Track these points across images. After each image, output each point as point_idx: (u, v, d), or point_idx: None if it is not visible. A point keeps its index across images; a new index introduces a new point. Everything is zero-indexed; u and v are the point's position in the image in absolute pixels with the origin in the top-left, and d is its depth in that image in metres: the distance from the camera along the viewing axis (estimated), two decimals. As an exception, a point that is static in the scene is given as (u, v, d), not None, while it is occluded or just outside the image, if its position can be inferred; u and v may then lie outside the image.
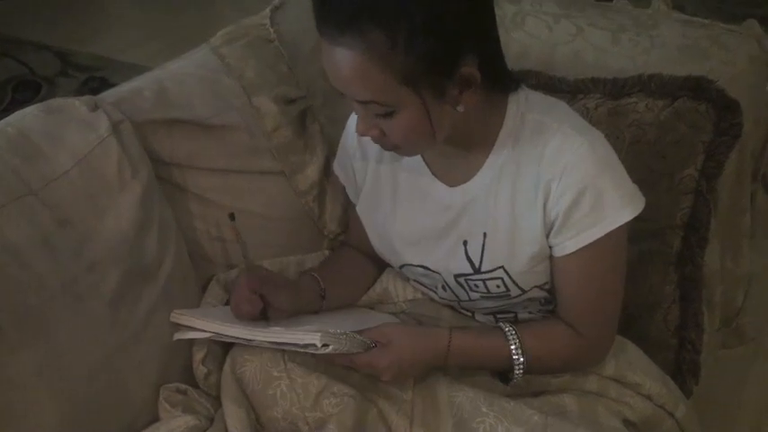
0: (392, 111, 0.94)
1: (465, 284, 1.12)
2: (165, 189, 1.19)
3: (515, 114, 1.04)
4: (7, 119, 1.09)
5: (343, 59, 0.90)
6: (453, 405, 1.05)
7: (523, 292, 1.09)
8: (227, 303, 1.18)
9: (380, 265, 1.28)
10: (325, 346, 0.98)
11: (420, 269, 1.16)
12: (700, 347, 1.25)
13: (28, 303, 0.97)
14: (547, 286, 1.10)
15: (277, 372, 1.09)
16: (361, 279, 1.28)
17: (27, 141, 1.05)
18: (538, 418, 1.01)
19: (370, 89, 0.92)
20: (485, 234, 1.08)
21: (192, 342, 1.13)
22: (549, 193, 1.01)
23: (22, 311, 0.97)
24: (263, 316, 1.09)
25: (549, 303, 1.14)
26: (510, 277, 1.07)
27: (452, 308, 1.22)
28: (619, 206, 1.01)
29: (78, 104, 1.12)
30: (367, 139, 1.04)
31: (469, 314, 1.21)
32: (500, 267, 1.07)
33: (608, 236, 1.01)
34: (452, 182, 1.10)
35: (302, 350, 1.01)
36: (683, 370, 1.25)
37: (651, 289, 1.26)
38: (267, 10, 1.41)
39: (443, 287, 1.16)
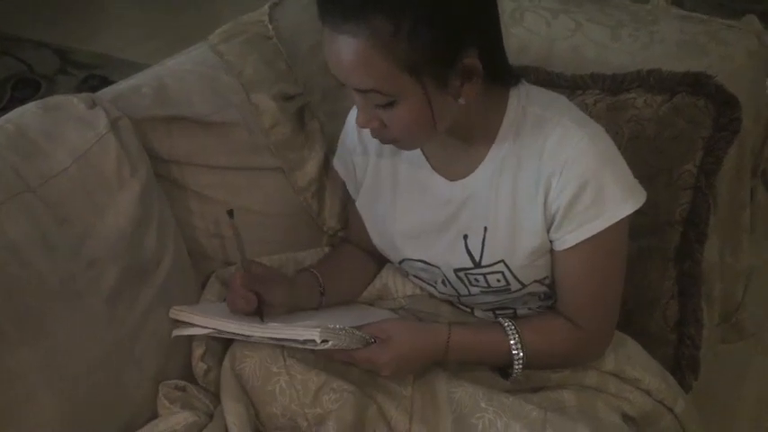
0: (393, 100, 0.94)
1: (465, 279, 1.12)
2: (164, 186, 1.19)
3: (516, 108, 1.04)
4: (5, 116, 1.09)
5: (347, 47, 0.90)
6: (453, 401, 1.06)
7: (523, 286, 1.09)
8: (226, 300, 1.18)
9: (380, 262, 1.28)
10: (324, 341, 0.98)
11: (420, 264, 1.16)
12: (699, 343, 1.26)
13: (27, 301, 0.97)
14: (547, 281, 1.10)
15: (276, 368, 1.09)
16: (361, 275, 1.28)
17: (25, 138, 1.05)
18: (537, 413, 1.01)
19: (372, 77, 0.92)
20: (485, 228, 1.08)
21: (190, 338, 1.14)
22: (549, 187, 1.02)
23: (21, 309, 0.97)
24: (258, 313, 1.10)
25: (549, 299, 1.15)
26: (510, 271, 1.07)
27: (451, 304, 1.22)
28: (620, 199, 1.01)
29: (76, 102, 1.12)
30: (367, 134, 1.04)
31: (468, 310, 1.21)
32: (500, 261, 1.07)
33: (609, 229, 1.01)
34: (453, 176, 1.10)
35: (301, 346, 1.01)
36: (682, 365, 1.26)
37: (650, 284, 1.26)
38: (266, 7, 1.41)
39: (443, 282, 1.16)
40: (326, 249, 1.34)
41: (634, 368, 1.12)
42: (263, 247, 1.27)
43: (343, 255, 1.30)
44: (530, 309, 1.17)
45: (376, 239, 1.21)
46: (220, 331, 1.07)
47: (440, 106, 0.96)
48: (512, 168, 1.05)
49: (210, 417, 1.10)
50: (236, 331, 1.06)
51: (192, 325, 1.09)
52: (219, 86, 1.27)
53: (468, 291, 1.14)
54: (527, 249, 1.05)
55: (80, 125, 1.09)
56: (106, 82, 2.98)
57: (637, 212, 1.02)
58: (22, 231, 0.98)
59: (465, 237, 1.10)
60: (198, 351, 1.14)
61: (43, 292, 0.99)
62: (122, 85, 1.24)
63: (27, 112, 1.09)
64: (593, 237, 1.01)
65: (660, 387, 1.12)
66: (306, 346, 1.01)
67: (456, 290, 1.16)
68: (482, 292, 1.12)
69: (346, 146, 1.23)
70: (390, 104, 0.95)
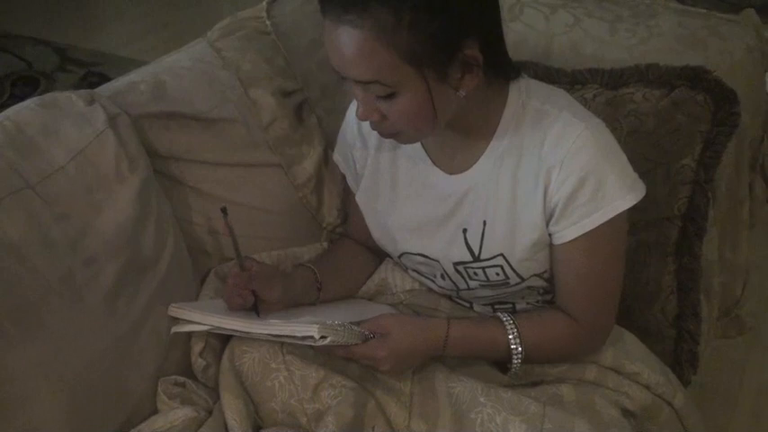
0: (394, 92, 0.94)
1: (464, 272, 1.12)
2: (163, 182, 1.19)
3: (516, 101, 1.04)
4: (4, 113, 1.09)
5: (348, 38, 0.90)
6: (452, 396, 1.06)
7: (522, 280, 1.09)
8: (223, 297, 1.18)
9: (379, 257, 1.28)
10: (323, 337, 0.98)
11: (419, 257, 1.16)
12: (698, 337, 1.26)
13: (25, 298, 0.97)
14: (546, 275, 1.10)
15: (275, 364, 1.09)
16: (359, 271, 1.28)
17: (24, 136, 1.05)
18: (535, 407, 1.02)
19: (373, 68, 0.92)
20: (484, 222, 1.08)
21: (189, 334, 1.14)
22: (549, 181, 1.02)
23: (20, 306, 0.97)
24: (254, 309, 1.10)
25: (548, 293, 1.15)
26: (509, 265, 1.08)
27: (450, 298, 1.22)
28: (620, 193, 1.01)
29: (75, 98, 1.12)
30: (367, 127, 1.04)
31: (467, 305, 1.21)
32: (499, 255, 1.07)
33: (608, 223, 1.01)
34: (452, 170, 1.10)
35: (300, 342, 1.02)
36: (681, 360, 1.26)
37: (649, 279, 1.26)
38: (264, 3, 1.41)
39: (442, 276, 1.16)
40: (325, 245, 1.34)
41: (633, 362, 1.12)
42: (262, 243, 1.27)
43: (342, 251, 1.30)
44: (528, 303, 1.17)
45: (375, 233, 1.21)
46: (219, 328, 1.07)
47: (440, 98, 0.96)
48: (512, 162, 1.05)
49: (210, 412, 1.10)
50: (235, 328, 1.06)
51: (192, 322, 1.09)
52: (218, 83, 1.27)
53: (468, 285, 1.14)
54: (526, 243, 1.06)
55: (78, 122, 1.09)
56: (105, 79, 2.96)
57: (635, 207, 1.03)
58: (21, 228, 0.98)
59: (464, 230, 1.10)
60: (197, 347, 1.14)
61: (42, 289, 0.99)
62: (120, 82, 1.24)
63: (25, 109, 1.09)
64: (593, 230, 1.02)
65: (659, 381, 1.12)
66: (304, 342, 1.01)
67: (455, 284, 1.16)
68: (481, 286, 1.12)
69: (346, 139, 1.23)
70: (391, 96, 0.95)
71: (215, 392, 1.13)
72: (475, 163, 1.08)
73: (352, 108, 1.19)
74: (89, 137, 1.08)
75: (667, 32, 1.35)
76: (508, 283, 1.10)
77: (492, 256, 1.08)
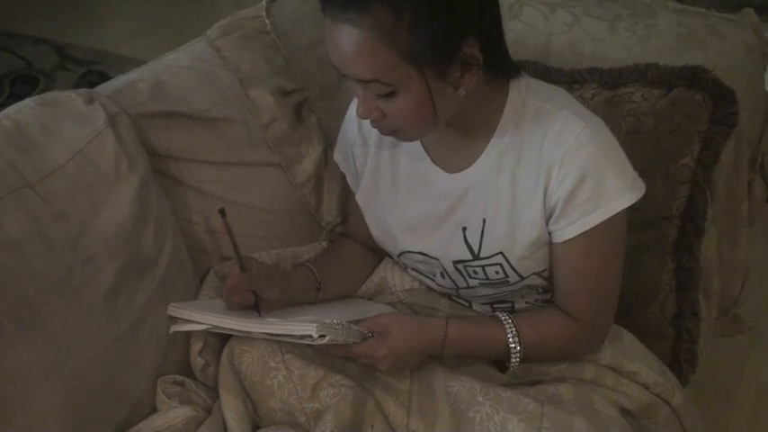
0: (394, 90, 0.94)
1: (464, 271, 1.12)
2: (162, 182, 1.19)
3: (516, 100, 1.04)
4: (3, 112, 1.09)
5: (348, 36, 0.91)
6: (450, 394, 1.06)
7: (522, 278, 1.09)
8: (223, 296, 1.18)
9: (379, 256, 1.28)
10: (321, 336, 0.98)
11: (419, 256, 1.16)
12: (696, 337, 1.26)
13: (25, 296, 0.97)
14: (545, 273, 1.10)
15: (274, 363, 1.09)
16: (359, 271, 1.28)
17: (23, 134, 1.05)
18: (534, 406, 1.02)
19: (373, 67, 0.92)
20: (484, 220, 1.08)
21: (189, 334, 1.14)
22: (549, 179, 1.02)
23: (20, 305, 0.97)
24: (255, 308, 1.10)
25: (547, 292, 1.15)
26: (509, 263, 1.08)
27: (449, 297, 1.23)
28: (619, 192, 1.01)
29: (74, 97, 1.12)
30: (367, 126, 1.04)
31: (466, 304, 1.21)
32: (499, 253, 1.08)
33: (608, 221, 1.01)
34: (452, 168, 1.10)
35: (299, 341, 1.02)
36: (680, 359, 1.26)
37: (648, 278, 1.26)
38: (263, 2, 1.41)
39: (442, 274, 1.16)
40: (324, 244, 1.34)
41: (631, 362, 1.12)
42: (261, 243, 1.27)
43: (341, 250, 1.30)
44: (527, 302, 1.17)
45: (375, 232, 1.21)
46: (218, 327, 1.07)
47: (440, 97, 0.96)
48: (511, 160, 1.05)
49: (209, 412, 1.11)
50: (235, 327, 1.06)
51: (191, 321, 1.09)
52: (217, 82, 1.27)
53: (467, 283, 1.14)
54: (526, 241, 1.06)
55: (78, 121, 1.09)
56: (105, 78, 2.95)
57: (634, 206, 1.03)
58: (21, 227, 0.98)
59: (464, 229, 1.10)
60: (196, 346, 1.14)
61: (41, 288, 0.99)
62: (120, 81, 1.24)
63: (25, 108, 1.09)
64: (593, 229, 1.02)
65: (657, 380, 1.12)
66: (303, 342, 1.01)
67: (455, 282, 1.16)
68: (481, 284, 1.13)
69: (346, 138, 1.23)
70: (391, 94, 0.95)
71: (214, 391, 1.13)
72: (475, 161, 1.08)
73: (353, 107, 1.19)
74: (89, 136, 1.08)
75: (666, 32, 1.35)
76: (507, 281, 1.10)
77: (491, 254, 1.08)
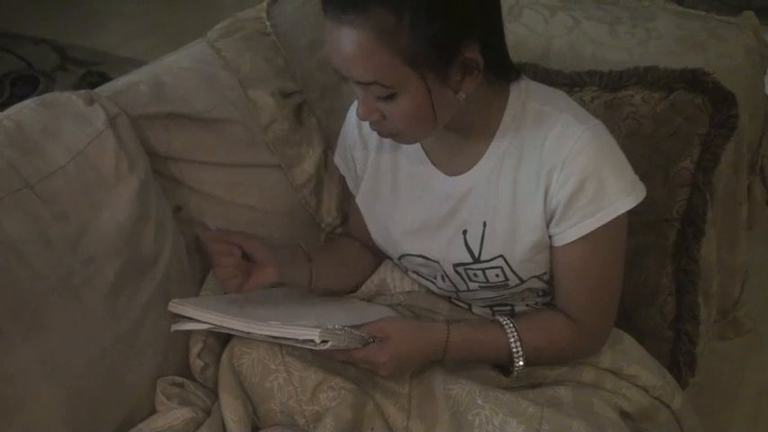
0: (394, 93, 0.94)
1: (464, 274, 1.12)
2: (162, 183, 1.19)
3: (517, 103, 1.04)
4: (4, 112, 1.09)
5: (348, 38, 0.91)
6: (450, 398, 1.06)
7: (522, 281, 1.09)
8: (214, 271, 1.19)
9: (378, 257, 1.28)
10: (323, 341, 0.97)
11: (419, 259, 1.16)
12: (696, 339, 1.26)
13: (25, 297, 0.97)
14: (546, 276, 1.10)
15: (274, 364, 1.09)
16: (357, 263, 1.28)
17: (23, 135, 1.05)
18: (533, 409, 1.02)
19: (373, 69, 0.92)
20: (484, 223, 1.08)
21: (189, 335, 1.14)
22: (550, 182, 1.02)
23: (20, 305, 0.97)
24: (246, 260, 1.10)
25: (547, 295, 1.15)
26: (509, 266, 1.08)
27: (449, 300, 1.22)
28: (620, 195, 1.01)
29: (75, 98, 1.12)
30: (367, 129, 1.04)
31: (466, 306, 1.21)
32: (499, 256, 1.08)
33: (609, 224, 1.01)
34: (452, 171, 1.10)
35: (300, 345, 1.01)
36: (679, 362, 1.26)
37: (647, 281, 1.26)
38: (264, 3, 1.41)
39: (442, 277, 1.16)
40: (324, 245, 1.35)
41: (631, 365, 1.12)
42: (261, 244, 1.27)
43: (342, 242, 1.31)
44: (527, 305, 1.17)
45: (375, 235, 1.21)
46: (219, 327, 1.07)
47: (440, 100, 0.96)
48: (512, 163, 1.05)
49: (208, 413, 1.11)
50: (236, 327, 1.06)
51: (191, 320, 1.09)
52: (217, 83, 1.27)
53: (467, 286, 1.14)
54: (526, 244, 1.06)
55: (78, 122, 1.09)
56: (105, 79, 2.97)
57: (634, 209, 1.03)
58: (20, 228, 0.98)
59: (464, 232, 1.10)
60: (195, 348, 1.14)
61: (41, 289, 0.99)
62: (120, 82, 1.24)
63: (25, 109, 1.09)
64: (593, 232, 1.02)
65: (657, 383, 1.12)
66: (305, 346, 1.01)
67: (455, 285, 1.16)
68: (481, 287, 1.13)
69: (346, 141, 1.23)
70: (391, 97, 0.95)
71: (213, 393, 1.13)
72: (475, 164, 1.08)
73: (353, 110, 1.19)
74: (89, 137, 1.08)
75: (666, 35, 1.35)
76: (508, 284, 1.10)
77: (492, 257, 1.08)
